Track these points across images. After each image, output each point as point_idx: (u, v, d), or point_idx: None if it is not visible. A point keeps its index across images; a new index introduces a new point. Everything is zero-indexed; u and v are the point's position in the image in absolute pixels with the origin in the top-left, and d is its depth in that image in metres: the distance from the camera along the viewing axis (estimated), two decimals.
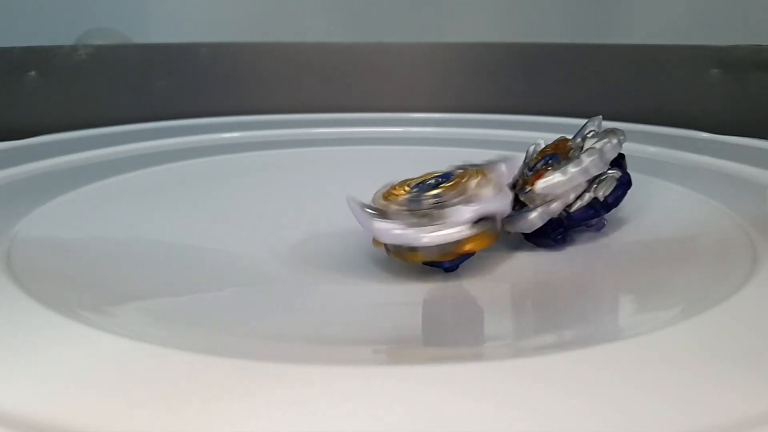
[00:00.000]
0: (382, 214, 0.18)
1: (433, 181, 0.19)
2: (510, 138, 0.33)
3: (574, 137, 0.21)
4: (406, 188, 0.19)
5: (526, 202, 0.19)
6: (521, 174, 0.21)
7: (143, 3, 0.47)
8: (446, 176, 0.19)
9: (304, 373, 0.12)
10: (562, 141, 0.21)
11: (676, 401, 0.11)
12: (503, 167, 0.19)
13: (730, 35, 0.39)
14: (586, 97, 0.39)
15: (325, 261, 0.20)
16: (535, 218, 0.19)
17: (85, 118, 0.36)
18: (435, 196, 0.18)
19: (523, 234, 0.20)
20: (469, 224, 0.17)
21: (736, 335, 0.13)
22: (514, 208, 0.19)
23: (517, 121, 0.36)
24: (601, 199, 0.20)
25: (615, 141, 0.19)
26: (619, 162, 0.20)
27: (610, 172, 0.20)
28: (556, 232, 0.20)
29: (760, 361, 0.12)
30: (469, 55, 0.42)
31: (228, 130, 0.35)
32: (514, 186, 0.20)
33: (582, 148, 0.20)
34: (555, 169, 0.19)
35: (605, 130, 0.20)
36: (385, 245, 0.18)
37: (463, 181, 0.18)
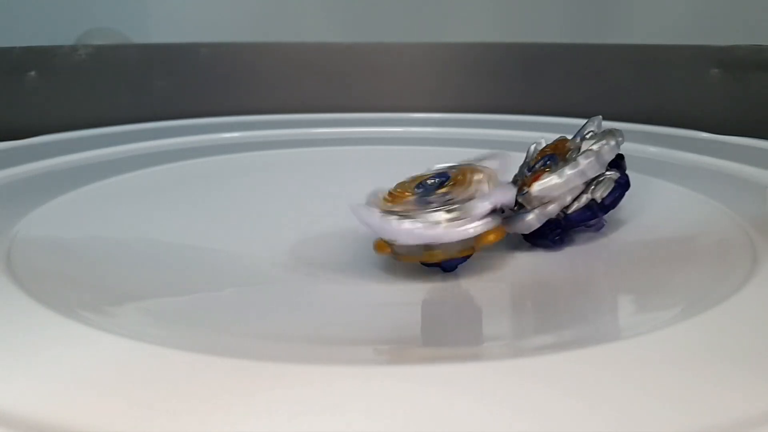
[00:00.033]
0: (400, 216, 0.17)
1: (432, 181, 0.19)
2: (510, 138, 0.33)
3: (574, 137, 0.21)
4: (408, 191, 0.19)
5: (524, 204, 0.19)
6: (521, 174, 0.21)
7: (143, 3, 0.47)
8: (442, 176, 0.19)
9: (304, 373, 0.12)
10: (562, 141, 0.21)
11: (676, 401, 0.11)
12: (495, 163, 0.19)
13: (730, 35, 0.39)
14: (586, 97, 0.39)
15: (325, 261, 0.20)
16: (532, 220, 0.19)
17: (85, 118, 0.36)
18: (445, 194, 0.18)
19: (522, 234, 0.20)
20: (488, 217, 0.18)
21: (736, 335, 0.13)
22: (512, 208, 0.19)
23: (517, 121, 0.36)
24: (599, 201, 0.20)
25: (613, 143, 0.19)
26: (618, 163, 0.20)
27: (608, 173, 0.20)
28: (554, 233, 0.20)
29: (760, 361, 0.12)
30: (469, 55, 0.42)
31: (228, 130, 0.35)
32: (514, 183, 0.20)
33: (579, 149, 0.20)
34: (552, 171, 0.19)
35: (604, 131, 0.20)
36: (392, 250, 0.18)
37: (467, 178, 0.18)
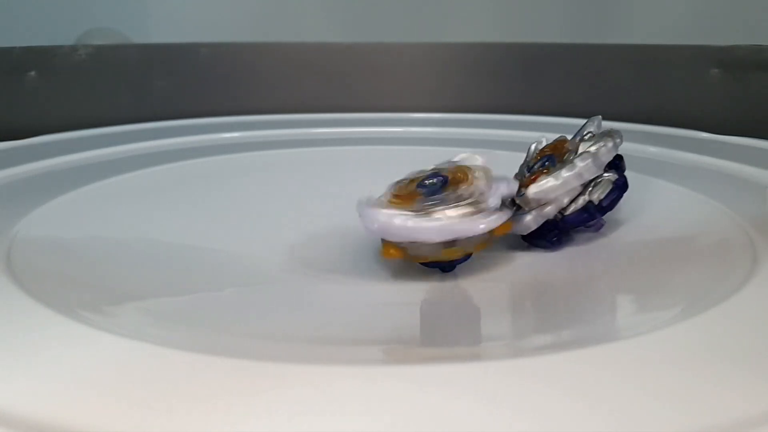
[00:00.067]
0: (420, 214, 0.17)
1: (431, 181, 0.19)
2: (510, 138, 0.33)
3: (574, 137, 0.21)
4: (414, 192, 0.18)
5: (522, 205, 0.19)
6: (521, 173, 0.21)
7: (143, 3, 0.47)
8: (437, 176, 0.19)
9: (304, 373, 0.12)
10: (561, 141, 0.21)
11: (676, 401, 0.11)
12: (480, 160, 0.19)
13: (730, 35, 0.39)
14: (586, 97, 0.39)
15: (325, 261, 0.20)
16: (529, 221, 0.19)
17: (85, 118, 0.36)
18: (453, 191, 0.18)
19: (520, 234, 0.20)
20: (502, 209, 0.18)
21: (736, 335, 0.13)
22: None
23: (517, 121, 0.36)
24: (596, 203, 0.20)
25: (610, 144, 0.19)
26: (616, 164, 0.20)
27: (606, 175, 0.20)
28: (551, 234, 0.20)
29: (760, 361, 0.12)
30: (469, 55, 0.42)
31: (228, 130, 0.35)
32: None
33: (577, 151, 0.20)
34: (549, 173, 0.19)
35: (602, 133, 0.20)
36: (404, 252, 0.18)
37: (467, 175, 0.18)
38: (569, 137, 0.21)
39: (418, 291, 0.18)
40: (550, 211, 0.19)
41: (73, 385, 0.11)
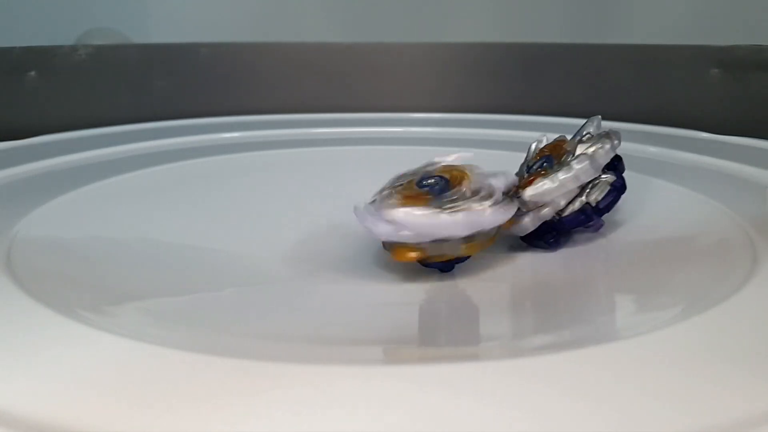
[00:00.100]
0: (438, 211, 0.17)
1: (430, 181, 0.19)
2: (510, 138, 0.33)
3: (573, 137, 0.21)
4: (420, 194, 0.18)
5: (519, 206, 0.19)
6: (521, 172, 0.21)
7: (143, 3, 0.47)
8: (431, 177, 0.19)
9: (304, 373, 0.12)
10: (560, 141, 0.21)
11: (676, 401, 0.11)
12: (462, 160, 0.19)
13: (730, 35, 0.39)
14: (586, 97, 0.39)
15: (325, 261, 0.20)
16: (527, 223, 0.19)
17: (85, 118, 0.36)
18: (459, 189, 0.18)
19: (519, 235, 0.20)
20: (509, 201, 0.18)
21: (736, 335, 0.13)
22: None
23: (517, 121, 0.36)
24: (593, 204, 0.20)
25: (608, 146, 0.19)
26: (615, 165, 0.20)
27: (603, 176, 0.20)
28: (549, 235, 0.20)
29: (760, 361, 0.12)
30: (469, 55, 0.42)
31: (228, 130, 0.35)
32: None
33: (575, 152, 0.20)
34: (545, 176, 0.19)
35: (599, 134, 0.20)
36: (422, 252, 0.18)
37: (464, 174, 0.19)
38: (569, 137, 0.21)
39: (417, 291, 0.18)
40: (546, 213, 0.19)
41: (73, 385, 0.11)
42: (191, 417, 0.10)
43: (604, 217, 0.20)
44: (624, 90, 0.39)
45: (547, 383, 0.11)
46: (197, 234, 0.22)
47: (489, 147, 0.31)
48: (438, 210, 0.17)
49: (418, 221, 0.17)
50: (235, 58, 0.41)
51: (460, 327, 0.17)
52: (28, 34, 0.44)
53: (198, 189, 0.27)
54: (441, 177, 0.19)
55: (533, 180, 0.19)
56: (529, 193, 0.19)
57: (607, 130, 0.20)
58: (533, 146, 0.22)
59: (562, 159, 0.20)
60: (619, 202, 0.20)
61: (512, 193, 0.19)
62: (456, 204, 0.17)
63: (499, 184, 0.18)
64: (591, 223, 0.20)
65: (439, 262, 0.18)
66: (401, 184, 0.19)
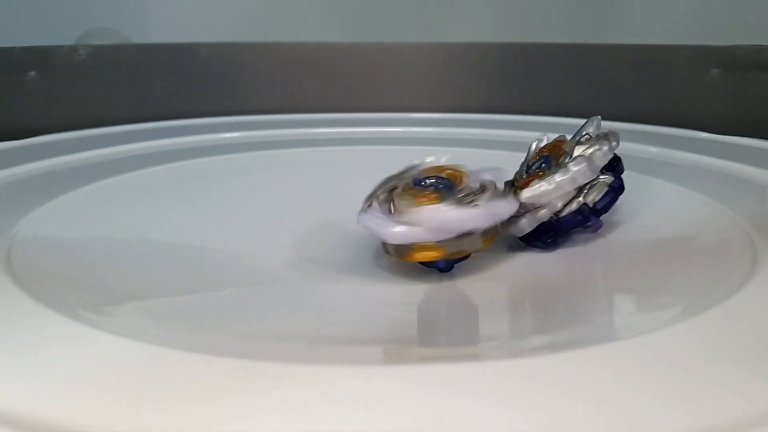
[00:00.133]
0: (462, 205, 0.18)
1: (430, 182, 0.19)
2: (510, 138, 0.33)
3: (572, 138, 0.21)
4: (431, 193, 0.18)
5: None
6: (521, 172, 0.21)
7: (143, 3, 0.47)
8: (425, 178, 0.19)
9: (304, 373, 0.12)
10: (559, 142, 0.21)
11: (676, 401, 0.11)
12: (445, 159, 0.20)
13: (730, 35, 0.39)
14: (586, 97, 0.39)
15: (325, 261, 0.20)
16: (524, 224, 0.19)
17: (85, 118, 0.36)
18: (465, 186, 0.18)
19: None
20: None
21: (736, 335, 0.13)
22: None
23: (517, 121, 0.36)
24: (590, 205, 0.20)
25: (606, 148, 0.19)
26: (614, 165, 0.20)
27: (601, 177, 0.20)
28: (547, 236, 0.20)
29: (760, 361, 0.12)
30: (469, 55, 0.42)
31: (228, 130, 0.35)
32: (513, 184, 0.20)
33: (572, 153, 0.20)
34: (543, 177, 0.19)
35: (598, 135, 0.20)
36: (444, 251, 0.17)
37: (459, 173, 0.19)
38: (569, 137, 0.21)
39: (417, 291, 0.18)
40: (544, 214, 0.19)
41: (73, 385, 0.11)
42: (191, 417, 0.10)
43: (604, 217, 0.20)
44: (624, 90, 0.39)
45: (547, 383, 0.11)
46: (197, 234, 0.22)
47: (489, 147, 0.31)
48: (459, 205, 0.17)
49: (447, 216, 0.17)
50: (235, 58, 0.41)
51: (459, 327, 0.17)
52: (28, 34, 0.44)
53: (198, 189, 0.27)
54: (439, 177, 0.19)
55: (530, 181, 0.19)
56: (525, 194, 0.19)
57: (606, 131, 0.20)
58: (533, 146, 0.22)
59: (560, 160, 0.20)
60: (620, 202, 0.20)
61: (511, 186, 0.19)
62: (474, 198, 0.17)
63: (494, 178, 0.19)
64: (589, 224, 0.20)
65: (436, 262, 0.18)
66: (394, 188, 0.19)
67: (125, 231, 0.22)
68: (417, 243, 0.17)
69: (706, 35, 0.42)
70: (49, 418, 0.10)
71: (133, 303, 0.17)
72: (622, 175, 0.20)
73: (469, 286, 0.18)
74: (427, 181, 0.19)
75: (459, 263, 0.18)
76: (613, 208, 0.20)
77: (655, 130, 0.33)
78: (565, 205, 0.20)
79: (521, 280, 0.19)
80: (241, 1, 0.48)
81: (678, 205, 0.22)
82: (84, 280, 0.18)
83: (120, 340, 0.13)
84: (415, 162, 0.20)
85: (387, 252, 0.18)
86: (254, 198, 0.26)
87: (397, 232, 0.17)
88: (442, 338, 0.16)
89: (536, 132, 0.22)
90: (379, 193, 0.19)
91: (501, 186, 0.19)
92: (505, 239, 0.20)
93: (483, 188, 0.18)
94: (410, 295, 0.18)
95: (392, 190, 0.19)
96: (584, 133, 0.21)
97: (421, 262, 0.18)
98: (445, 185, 0.18)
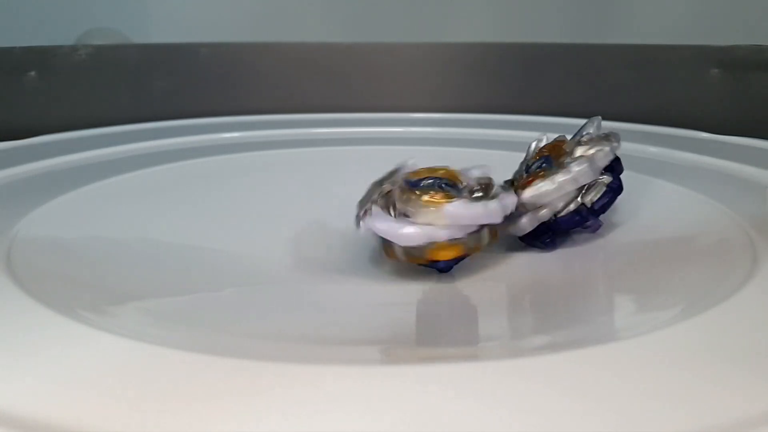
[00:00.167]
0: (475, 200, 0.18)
1: (429, 182, 0.19)
2: (510, 138, 0.33)
3: (572, 138, 0.21)
4: (437, 192, 0.18)
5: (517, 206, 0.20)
6: (520, 172, 0.21)
7: (143, 3, 0.47)
8: (423, 179, 0.19)
9: (304, 373, 0.12)
10: (560, 142, 0.21)
11: (676, 401, 0.11)
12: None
13: (730, 35, 0.39)
14: (586, 97, 0.39)
15: (325, 261, 0.20)
16: (524, 223, 0.20)
17: (85, 118, 0.36)
18: (466, 185, 0.18)
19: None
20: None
21: (736, 335, 0.13)
22: None
23: (517, 121, 0.36)
24: (589, 206, 0.20)
25: (607, 148, 0.19)
26: (613, 166, 0.20)
27: (600, 177, 0.20)
28: (545, 236, 0.20)
29: (760, 361, 0.12)
30: (469, 55, 0.42)
31: (228, 130, 0.35)
32: (512, 183, 0.20)
33: (573, 153, 0.20)
34: (544, 177, 0.19)
35: (599, 136, 0.20)
36: (463, 248, 0.18)
37: (454, 172, 0.19)
38: (569, 137, 0.21)
39: (416, 291, 0.18)
40: (544, 214, 0.19)
41: (73, 385, 0.11)
42: (191, 417, 0.10)
43: (604, 217, 0.20)
44: (624, 90, 0.39)
45: (547, 383, 0.11)
46: (197, 234, 0.22)
47: (489, 147, 0.31)
48: (476, 200, 0.17)
49: (472, 212, 0.17)
50: (235, 58, 0.41)
51: (459, 327, 0.17)
52: (28, 34, 0.44)
53: (198, 189, 0.27)
54: (435, 177, 0.19)
55: (532, 181, 0.19)
56: (527, 194, 0.19)
57: (607, 131, 0.20)
58: (533, 145, 0.22)
59: (561, 160, 0.20)
60: (619, 202, 0.20)
61: (510, 185, 0.19)
62: (484, 193, 0.18)
63: (484, 175, 0.19)
64: (587, 224, 0.20)
65: (436, 262, 0.18)
66: (388, 192, 0.18)
67: (125, 231, 0.22)
68: (435, 243, 0.17)
69: (706, 35, 0.42)
70: (49, 418, 0.10)
71: (133, 303, 0.17)
72: (622, 175, 0.20)
73: (469, 286, 0.18)
74: (424, 182, 0.19)
75: (458, 263, 0.18)
76: (613, 208, 0.20)
77: (655, 130, 0.33)
78: (563, 207, 0.20)
79: (521, 280, 0.19)
80: (241, 1, 0.48)
81: (678, 205, 0.22)
82: (84, 280, 0.18)
83: (120, 340, 0.13)
84: (396, 167, 0.19)
85: (391, 256, 0.18)
86: (254, 198, 0.26)
87: (414, 232, 0.17)
88: (441, 338, 0.16)
89: (536, 132, 0.23)
90: (375, 197, 0.18)
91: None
92: (504, 239, 0.20)
93: (487, 184, 0.18)
94: (410, 295, 0.18)
95: (386, 193, 0.18)
96: (585, 133, 0.21)
97: (420, 263, 0.18)
98: (446, 184, 0.18)
